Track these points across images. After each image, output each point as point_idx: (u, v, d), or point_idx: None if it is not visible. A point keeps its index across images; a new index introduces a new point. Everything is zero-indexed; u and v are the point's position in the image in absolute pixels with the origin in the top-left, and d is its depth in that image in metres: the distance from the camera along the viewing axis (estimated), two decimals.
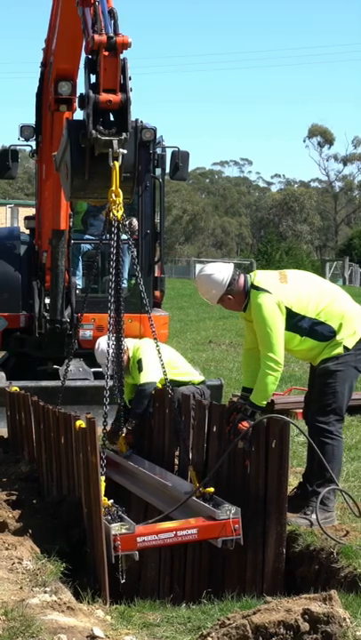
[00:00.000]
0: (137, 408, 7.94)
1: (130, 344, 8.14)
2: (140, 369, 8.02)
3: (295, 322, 6.58)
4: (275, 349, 6.48)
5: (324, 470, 6.49)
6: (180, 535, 6.18)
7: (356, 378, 6.71)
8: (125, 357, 7.82)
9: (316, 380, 6.78)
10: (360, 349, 6.62)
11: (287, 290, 6.61)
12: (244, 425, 6.50)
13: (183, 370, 8.44)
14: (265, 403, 6.59)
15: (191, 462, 6.99)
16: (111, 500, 6.19)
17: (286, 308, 6.55)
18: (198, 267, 57.93)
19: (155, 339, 7.08)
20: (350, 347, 6.58)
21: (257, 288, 6.61)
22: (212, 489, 6.54)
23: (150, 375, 7.91)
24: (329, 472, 6.46)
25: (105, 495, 6.15)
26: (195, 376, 8.60)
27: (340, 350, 6.58)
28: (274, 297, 6.54)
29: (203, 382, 8.64)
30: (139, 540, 5.99)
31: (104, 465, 6.12)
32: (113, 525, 5.89)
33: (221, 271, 6.76)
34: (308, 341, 6.66)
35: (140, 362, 8.05)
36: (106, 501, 6.13)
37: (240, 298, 6.71)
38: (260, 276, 6.70)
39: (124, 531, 5.90)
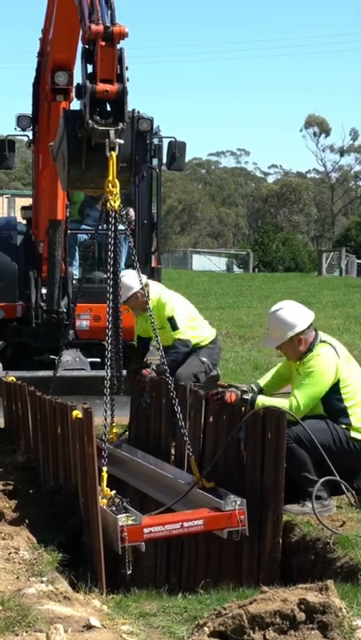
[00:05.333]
0: (175, 356, 8.48)
1: (155, 287, 8.84)
2: (173, 327, 8.60)
3: (331, 395, 6.69)
4: (304, 402, 6.61)
5: (303, 473, 6.58)
6: (187, 526, 6.18)
7: (335, 453, 6.65)
8: (143, 294, 8.32)
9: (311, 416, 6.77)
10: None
11: (350, 367, 6.78)
12: (231, 396, 6.66)
13: (200, 333, 8.91)
14: (257, 407, 6.62)
15: (191, 452, 7.00)
16: (114, 491, 6.19)
17: (338, 380, 6.67)
18: (195, 257, 58.08)
19: (154, 330, 7.13)
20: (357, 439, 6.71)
21: (325, 342, 6.75)
22: (212, 483, 6.55)
23: (187, 332, 8.67)
24: (303, 475, 6.57)
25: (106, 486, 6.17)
26: (209, 335, 9.07)
27: (348, 432, 6.71)
28: (337, 360, 6.68)
29: (215, 339, 9.08)
30: (145, 531, 5.98)
31: (106, 455, 6.14)
32: (119, 516, 5.86)
33: (300, 317, 6.83)
34: (322, 413, 6.75)
35: (172, 320, 8.61)
36: (108, 492, 6.13)
37: (305, 348, 6.75)
38: (332, 339, 6.85)
39: (130, 522, 5.89)
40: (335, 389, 6.69)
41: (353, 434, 6.70)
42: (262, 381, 7.18)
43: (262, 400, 6.67)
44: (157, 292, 8.84)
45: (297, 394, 6.63)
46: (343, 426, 6.69)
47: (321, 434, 6.59)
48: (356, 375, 6.86)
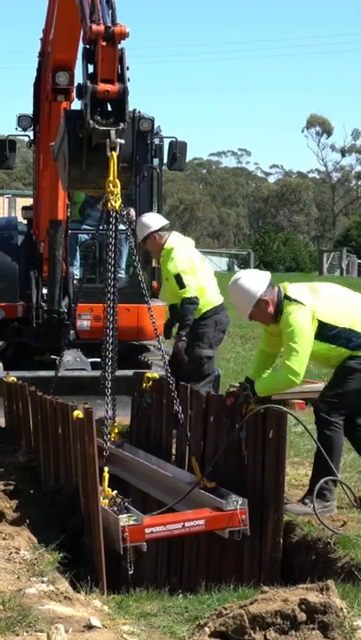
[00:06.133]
0: (187, 320, 8.62)
1: (176, 239, 9.07)
2: (180, 285, 8.71)
3: (328, 333, 6.61)
4: (298, 364, 6.49)
5: (323, 461, 6.53)
6: (188, 526, 6.18)
7: None
8: (160, 243, 8.97)
9: (334, 375, 6.81)
10: None
11: (320, 302, 6.65)
12: (230, 401, 6.64)
13: (207, 299, 8.98)
14: (262, 396, 6.60)
15: (192, 452, 7.01)
16: (115, 491, 6.19)
17: (319, 321, 6.57)
18: None
19: (155, 330, 7.13)
20: None
21: (290, 299, 6.61)
22: (214, 483, 6.55)
23: (193, 290, 8.75)
24: (328, 463, 6.49)
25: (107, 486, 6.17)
26: (212, 301, 9.09)
27: None
28: (307, 309, 6.56)
29: (211, 310, 9.05)
30: (147, 531, 5.99)
31: (107, 455, 6.15)
32: (121, 517, 5.87)
33: (257, 281, 6.76)
34: (341, 349, 6.69)
35: (177, 277, 8.73)
36: (110, 492, 6.13)
37: (273, 308, 6.68)
38: (292, 288, 6.72)
39: (132, 522, 5.90)
40: (323, 326, 6.59)
41: None
42: (251, 373, 7.10)
43: (259, 386, 6.63)
44: (174, 243, 9.00)
45: (287, 360, 6.55)
46: None
47: (356, 382, 6.60)
48: (332, 300, 6.74)
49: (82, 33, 6.51)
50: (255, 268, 54.49)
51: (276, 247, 58.80)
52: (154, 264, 11.41)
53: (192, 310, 8.73)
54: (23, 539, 6.02)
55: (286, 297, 6.63)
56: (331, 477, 6.48)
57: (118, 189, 6.33)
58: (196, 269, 8.93)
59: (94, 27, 6.14)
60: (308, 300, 6.61)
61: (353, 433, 6.91)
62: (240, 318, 7.13)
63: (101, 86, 6.16)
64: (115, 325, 6.60)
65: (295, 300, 6.59)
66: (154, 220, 9.10)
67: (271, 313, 6.68)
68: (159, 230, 8.99)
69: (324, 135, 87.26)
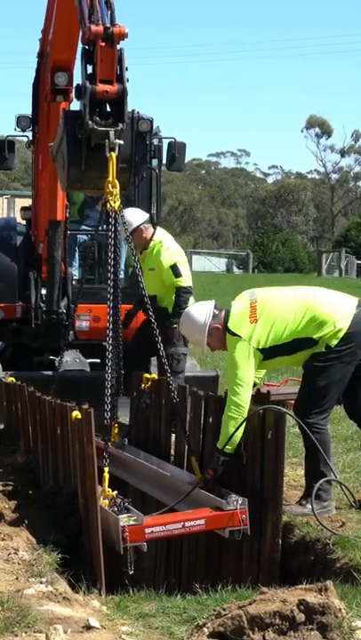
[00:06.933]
0: (181, 309, 8.48)
1: (161, 233, 9.24)
2: (176, 274, 8.90)
3: (275, 350, 6.60)
4: (240, 395, 6.49)
5: (316, 463, 6.54)
6: (188, 526, 6.18)
7: (343, 371, 6.64)
8: (147, 236, 9.09)
9: (303, 377, 6.86)
10: (343, 345, 6.57)
11: (258, 330, 6.57)
12: (209, 473, 6.57)
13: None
14: (230, 449, 6.53)
15: (192, 452, 7.01)
16: (115, 492, 6.19)
17: (260, 349, 6.55)
18: (195, 258, 57.98)
19: (155, 331, 7.14)
20: (333, 345, 6.55)
21: (231, 332, 6.60)
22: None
23: (189, 280, 9.04)
24: (320, 464, 6.49)
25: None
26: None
27: (322, 349, 6.57)
28: (243, 342, 6.54)
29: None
30: (147, 531, 5.99)
31: (107, 456, 6.15)
32: (121, 517, 5.87)
33: (203, 311, 6.80)
34: (294, 356, 6.71)
35: (174, 267, 8.91)
36: (110, 492, 6.13)
37: (223, 331, 6.69)
38: (234, 316, 6.67)
39: (132, 522, 5.90)
40: (270, 349, 6.58)
41: (327, 344, 6.57)
42: None
43: (220, 442, 6.59)
44: (162, 237, 9.20)
45: (229, 392, 6.59)
46: (323, 349, 6.60)
47: (323, 379, 6.58)
48: (270, 320, 6.60)
49: (81, 33, 6.51)
50: (254, 268, 54.57)
51: (275, 248, 58.74)
52: None
53: (187, 300, 8.87)
54: (22, 539, 6.02)
55: (228, 329, 6.64)
56: (327, 479, 6.49)
57: (117, 190, 6.34)
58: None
59: (93, 27, 6.14)
60: (246, 330, 6.57)
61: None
62: (201, 349, 7.23)
63: (100, 87, 6.16)
64: (117, 326, 6.60)
65: (232, 333, 6.60)
66: (137, 215, 9.19)
67: (223, 338, 6.71)
68: (144, 223, 9.11)
69: (324, 136, 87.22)
